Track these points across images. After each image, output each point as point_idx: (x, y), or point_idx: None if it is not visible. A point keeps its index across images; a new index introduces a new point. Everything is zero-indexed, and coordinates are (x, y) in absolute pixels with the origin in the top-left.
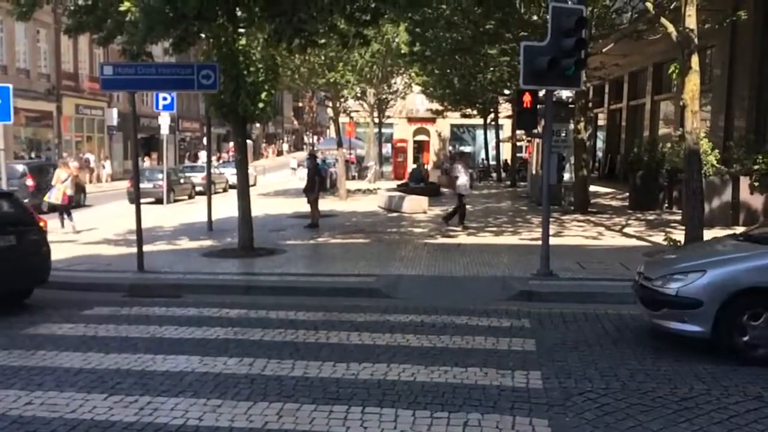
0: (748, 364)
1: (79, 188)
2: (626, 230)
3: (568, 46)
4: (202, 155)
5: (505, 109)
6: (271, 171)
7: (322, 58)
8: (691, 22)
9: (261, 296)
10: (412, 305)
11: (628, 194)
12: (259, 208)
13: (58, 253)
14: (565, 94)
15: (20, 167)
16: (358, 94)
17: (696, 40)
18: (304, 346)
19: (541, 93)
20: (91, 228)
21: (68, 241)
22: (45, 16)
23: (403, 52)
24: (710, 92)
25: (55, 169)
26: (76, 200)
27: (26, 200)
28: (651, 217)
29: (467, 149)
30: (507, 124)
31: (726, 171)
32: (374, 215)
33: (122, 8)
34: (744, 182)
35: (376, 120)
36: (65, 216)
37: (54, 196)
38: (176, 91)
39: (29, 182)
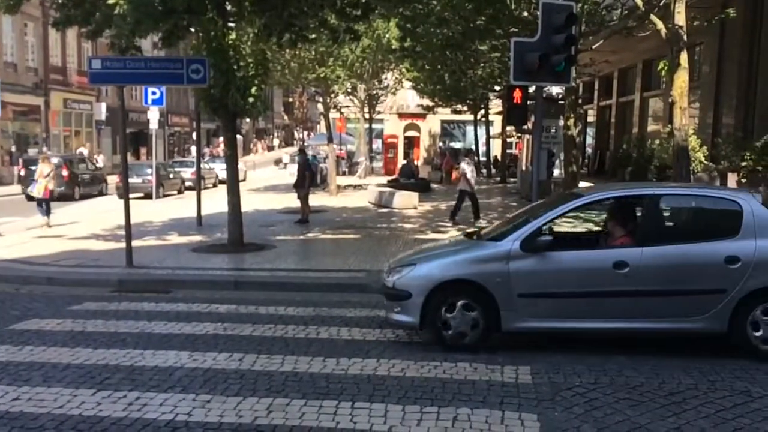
0: (453, 352)
1: (99, 180)
2: None
3: (558, 43)
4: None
5: (496, 105)
6: (262, 166)
7: (313, 53)
8: (680, 19)
9: (251, 291)
10: None
11: None
12: (249, 203)
13: (45, 248)
14: (555, 90)
15: (55, 159)
16: (349, 90)
17: (685, 37)
18: (294, 342)
19: (531, 89)
20: (75, 221)
21: (56, 236)
22: (33, 9)
23: (393, 47)
24: (699, 89)
25: (79, 162)
26: (98, 190)
27: (62, 189)
28: None
29: (457, 145)
30: (497, 120)
31: (714, 167)
32: (364, 211)
33: (111, 1)
34: (732, 178)
35: (367, 116)
36: (43, 209)
37: (36, 190)
38: (165, 86)
39: (64, 173)
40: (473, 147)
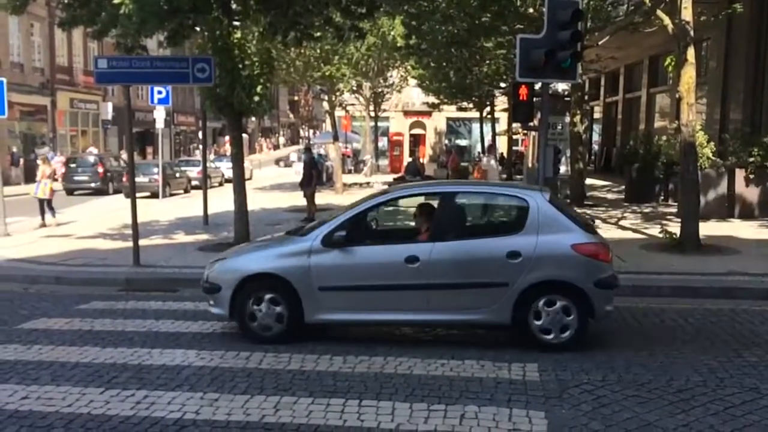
0: (265, 343)
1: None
2: (622, 223)
3: (564, 39)
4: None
5: (501, 102)
6: (267, 165)
7: (318, 51)
8: (686, 14)
9: None
10: None
11: (624, 187)
12: (255, 202)
13: (53, 247)
14: (561, 86)
15: (92, 157)
16: (354, 88)
17: (692, 33)
18: (300, 339)
19: (537, 86)
20: (82, 220)
21: (63, 236)
22: (39, 9)
23: (398, 45)
24: (706, 85)
25: (95, 161)
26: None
27: (97, 184)
28: (647, 210)
29: (463, 143)
30: (503, 118)
31: (721, 163)
32: None
33: (116, 1)
34: (739, 174)
35: (372, 113)
36: (48, 210)
37: (41, 191)
38: (171, 85)
39: (100, 170)
40: (472, 144)
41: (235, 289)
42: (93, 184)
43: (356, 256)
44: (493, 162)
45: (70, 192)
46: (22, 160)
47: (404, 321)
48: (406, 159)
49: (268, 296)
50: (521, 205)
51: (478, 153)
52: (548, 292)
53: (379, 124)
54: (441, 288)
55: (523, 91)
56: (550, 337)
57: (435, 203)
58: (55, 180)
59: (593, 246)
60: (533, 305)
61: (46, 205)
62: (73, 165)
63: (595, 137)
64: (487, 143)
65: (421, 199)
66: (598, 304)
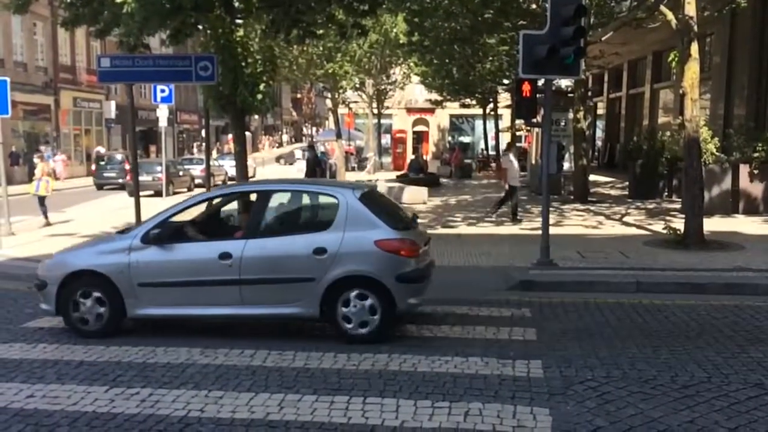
0: (89, 337)
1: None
2: (626, 219)
3: (567, 35)
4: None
5: (505, 98)
6: (270, 163)
7: (320, 49)
8: (690, 9)
9: None
10: None
11: (627, 183)
12: None
13: (57, 246)
14: (564, 83)
15: (119, 156)
16: (357, 85)
17: (695, 28)
18: (305, 337)
19: (541, 82)
20: (86, 219)
21: (67, 234)
22: (42, 8)
23: (401, 42)
24: (710, 80)
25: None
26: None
27: (124, 180)
28: (651, 206)
29: (466, 140)
30: (506, 114)
31: (726, 159)
32: None
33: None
34: (744, 170)
35: (375, 111)
36: (46, 207)
37: (41, 188)
38: (174, 83)
39: (126, 167)
40: (475, 141)
41: (60, 285)
42: (120, 180)
43: (174, 253)
44: (513, 159)
45: (99, 187)
46: (21, 159)
47: (221, 315)
48: (410, 156)
49: (90, 292)
50: (331, 202)
51: (482, 150)
52: (353, 286)
53: (382, 121)
54: (252, 283)
55: (526, 87)
56: (357, 329)
57: (248, 201)
58: (57, 179)
59: (396, 242)
60: (340, 299)
61: (45, 203)
62: (102, 163)
63: (599, 133)
64: (503, 142)
65: (246, 198)
66: (399, 298)
